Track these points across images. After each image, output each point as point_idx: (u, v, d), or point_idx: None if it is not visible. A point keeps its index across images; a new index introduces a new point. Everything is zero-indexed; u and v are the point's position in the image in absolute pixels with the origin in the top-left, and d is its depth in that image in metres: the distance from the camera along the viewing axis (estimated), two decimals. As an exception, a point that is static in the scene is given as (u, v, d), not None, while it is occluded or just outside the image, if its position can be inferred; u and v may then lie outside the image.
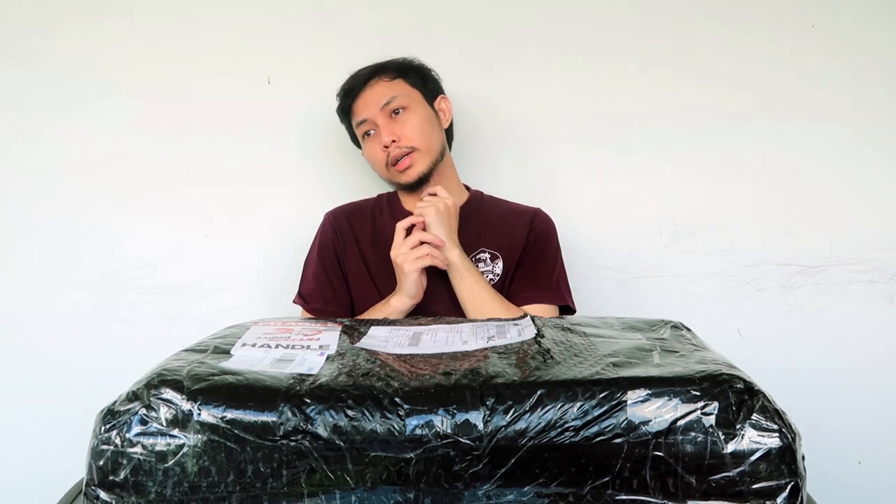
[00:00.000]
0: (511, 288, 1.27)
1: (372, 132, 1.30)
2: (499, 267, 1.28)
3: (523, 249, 1.29)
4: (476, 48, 1.48)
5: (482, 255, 1.28)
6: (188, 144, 1.49)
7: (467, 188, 1.39)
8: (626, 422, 0.65)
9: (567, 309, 1.29)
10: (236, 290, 1.50)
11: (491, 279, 1.27)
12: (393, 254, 1.19)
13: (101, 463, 0.65)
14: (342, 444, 0.65)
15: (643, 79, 1.50)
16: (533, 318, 0.93)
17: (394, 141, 1.26)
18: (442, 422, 0.65)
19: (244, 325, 0.93)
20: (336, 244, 1.31)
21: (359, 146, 1.38)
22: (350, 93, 1.31)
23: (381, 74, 1.30)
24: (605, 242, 1.51)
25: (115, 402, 0.68)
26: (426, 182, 1.29)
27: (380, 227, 1.32)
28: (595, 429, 0.65)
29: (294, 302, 1.32)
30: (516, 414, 0.65)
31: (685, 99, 1.50)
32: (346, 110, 1.33)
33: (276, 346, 0.81)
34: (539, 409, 0.65)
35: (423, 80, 1.32)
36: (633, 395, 0.66)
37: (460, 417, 0.65)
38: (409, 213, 1.31)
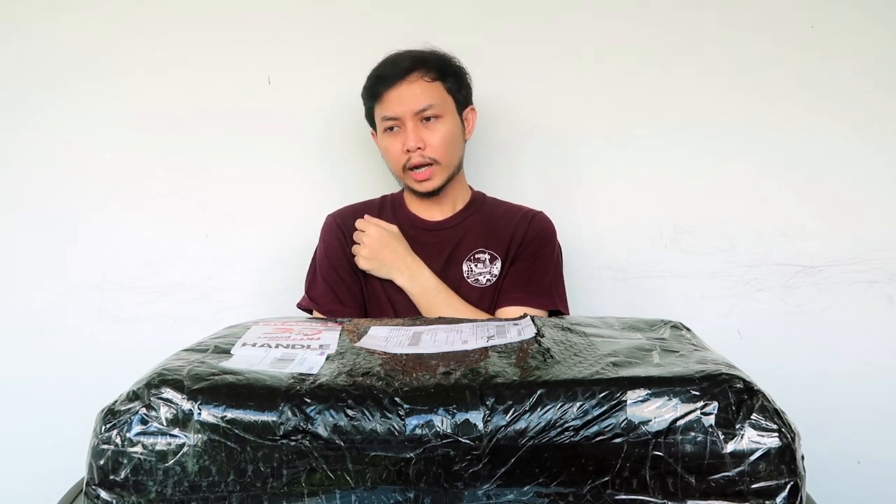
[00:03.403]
0: (502, 286, 1.26)
1: (396, 129, 1.24)
2: (497, 268, 1.28)
3: (518, 249, 1.28)
4: (476, 48, 1.48)
5: (481, 256, 1.28)
6: (188, 144, 1.49)
7: (469, 188, 1.39)
8: (625, 421, 0.65)
9: (557, 314, 1.25)
10: (236, 290, 1.50)
11: (488, 279, 1.27)
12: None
13: (101, 462, 0.65)
14: (342, 443, 0.65)
15: (643, 79, 1.50)
16: (533, 318, 0.92)
17: (419, 148, 1.23)
18: (442, 421, 0.65)
19: (244, 324, 0.93)
20: (344, 244, 1.30)
21: (372, 125, 1.33)
22: (385, 81, 1.23)
23: (422, 70, 1.23)
24: (605, 242, 1.52)
25: (116, 401, 0.68)
26: (439, 194, 1.28)
27: None
28: (595, 428, 0.65)
29: (300, 307, 1.29)
30: (516, 414, 0.65)
31: (685, 99, 1.50)
32: (375, 96, 1.25)
33: (277, 346, 0.81)
34: (539, 409, 0.65)
35: (459, 87, 1.28)
36: (632, 395, 0.66)
37: (460, 417, 0.65)
38: (414, 217, 1.32)
